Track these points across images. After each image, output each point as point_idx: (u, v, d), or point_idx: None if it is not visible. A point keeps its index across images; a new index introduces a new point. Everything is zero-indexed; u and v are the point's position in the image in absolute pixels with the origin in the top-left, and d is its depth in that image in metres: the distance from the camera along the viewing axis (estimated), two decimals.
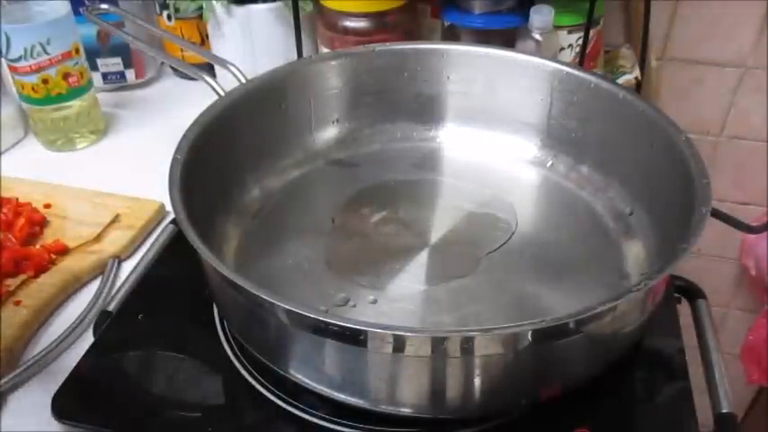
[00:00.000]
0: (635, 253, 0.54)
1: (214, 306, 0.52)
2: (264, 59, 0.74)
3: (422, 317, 0.49)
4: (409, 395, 0.42)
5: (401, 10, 0.75)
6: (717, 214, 0.52)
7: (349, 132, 0.65)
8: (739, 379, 0.95)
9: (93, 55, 0.82)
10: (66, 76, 0.72)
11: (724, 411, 0.46)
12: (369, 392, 0.42)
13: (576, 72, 0.60)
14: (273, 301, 0.38)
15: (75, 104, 0.75)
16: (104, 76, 0.85)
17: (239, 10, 0.76)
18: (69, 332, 0.53)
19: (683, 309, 0.54)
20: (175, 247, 0.58)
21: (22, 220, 0.60)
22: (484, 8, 0.72)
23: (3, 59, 0.73)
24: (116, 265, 0.60)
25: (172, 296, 0.54)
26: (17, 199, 0.63)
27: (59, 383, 0.46)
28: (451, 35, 0.75)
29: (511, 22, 0.72)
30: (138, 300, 0.53)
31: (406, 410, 0.42)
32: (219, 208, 0.55)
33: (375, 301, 0.49)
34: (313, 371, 0.42)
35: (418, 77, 0.64)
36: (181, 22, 0.84)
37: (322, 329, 0.38)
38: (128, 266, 0.59)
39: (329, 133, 0.65)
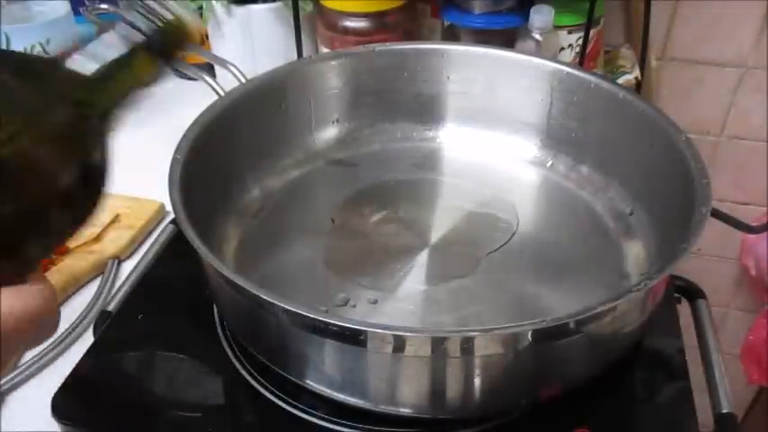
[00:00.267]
0: (635, 253, 0.54)
1: (214, 306, 0.52)
2: (264, 59, 0.74)
3: (422, 317, 0.49)
4: (409, 395, 0.42)
5: (401, 10, 0.75)
6: (717, 214, 0.52)
7: (349, 132, 0.65)
8: (739, 379, 0.95)
9: None
10: None
11: (724, 411, 0.46)
12: (369, 392, 0.42)
13: (576, 72, 0.60)
14: (273, 301, 0.38)
15: None
16: None
17: (239, 10, 0.76)
18: (69, 332, 0.53)
19: (683, 309, 0.54)
20: (175, 247, 0.58)
21: None
22: (484, 8, 0.72)
23: None
24: (116, 265, 0.60)
25: (172, 296, 0.54)
26: None
27: (59, 383, 0.46)
28: (451, 35, 0.75)
29: (511, 22, 0.72)
30: (138, 300, 0.53)
31: (405, 410, 0.42)
32: (219, 208, 0.55)
33: (375, 302, 0.49)
34: (313, 371, 0.42)
35: (418, 77, 0.64)
36: None
37: (322, 329, 0.38)
38: (128, 266, 0.59)
39: (329, 133, 0.65)
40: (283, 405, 0.45)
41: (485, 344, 0.38)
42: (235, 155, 0.57)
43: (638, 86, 0.77)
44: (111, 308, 0.53)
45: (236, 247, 0.55)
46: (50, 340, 0.53)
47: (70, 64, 0.30)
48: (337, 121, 0.65)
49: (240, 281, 0.39)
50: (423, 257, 0.53)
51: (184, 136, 0.50)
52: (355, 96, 0.64)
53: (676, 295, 0.54)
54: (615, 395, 0.46)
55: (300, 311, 0.38)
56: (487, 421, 0.44)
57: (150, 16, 0.33)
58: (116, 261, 0.60)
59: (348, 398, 0.42)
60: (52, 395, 0.46)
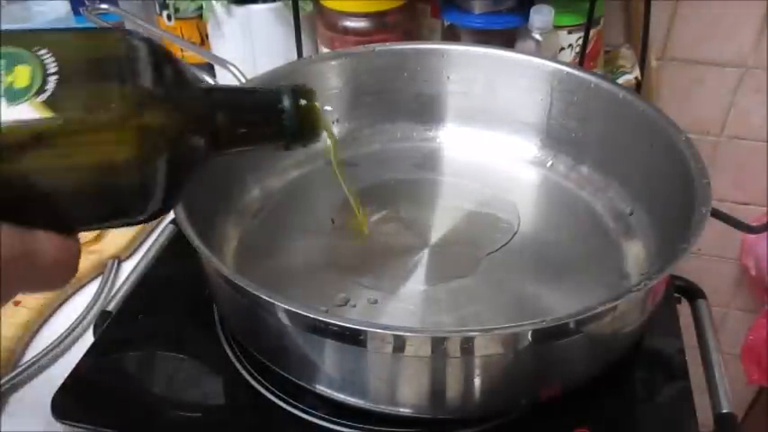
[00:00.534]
0: (635, 253, 0.54)
1: (214, 306, 0.52)
2: (264, 59, 0.74)
3: (422, 317, 0.49)
4: (409, 395, 0.42)
5: (401, 10, 0.74)
6: (717, 214, 0.52)
7: (349, 132, 0.65)
8: (739, 379, 0.95)
9: None
10: None
11: (724, 411, 0.46)
12: (369, 392, 0.42)
13: (576, 72, 0.60)
14: (273, 301, 0.38)
15: None
16: None
17: (239, 10, 0.76)
18: (69, 332, 0.53)
19: (683, 309, 0.54)
20: (175, 247, 0.58)
21: None
22: (484, 8, 0.71)
23: None
24: (116, 265, 0.60)
25: (172, 296, 0.54)
26: None
27: (59, 383, 0.46)
28: (451, 35, 0.75)
29: (511, 22, 0.72)
30: (138, 300, 0.53)
31: (405, 410, 0.42)
32: (219, 208, 0.55)
33: (375, 302, 0.49)
34: (313, 371, 0.42)
35: (418, 77, 0.64)
36: (181, 22, 0.84)
37: (322, 329, 0.38)
38: (128, 266, 0.59)
39: None
40: (283, 405, 0.45)
41: (485, 344, 0.38)
42: (235, 155, 0.57)
43: (638, 86, 0.77)
44: (111, 308, 0.53)
45: (236, 247, 0.55)
46: (50, 340, 0.53)
47: None
48: (337, 121, 0.65)
49: (240, 281, 0.39)
50: (423, 257, 0.53)
51: None
52: (355, 96, 0.64)
53: (676, 295, 0.54)
54: (615, 395, 0.46)
55: (300, 311, 0.38)
56: (487, 421, 0.44)
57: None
58: (116, 261, 0.60)
59: (348, 398, 0.42)
60: (52, 395, 0.46)
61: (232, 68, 0.60)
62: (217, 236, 0.53)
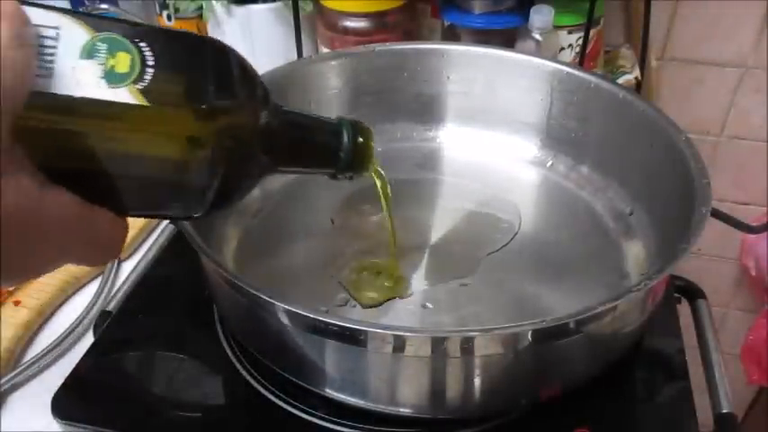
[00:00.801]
0: (635, 253, 0.54)
1: (214, 306, 0.52)
2: (264, 59, 0.74)
3: (422, 317, 0.49)
4: (409, 395, 0.42)
5: (401, 10, 0.74)
6: (717, 214, 0.52)
7: None
8: (739, 379, 0.95)
9: None
10: None
11: (724, 411, 0.46)
12: (369, 392, 0.42)
13: (576, 72, 0.60)
14: (273, 301, 0.38)
15: None
16: None
17: (239, 10, 0.76)
18: (69, 332, 0.53)
19: (683, 309, 0.54)
20: (175, 247, 0.58)
21: None
22: (484, 8, 0.71)
23: None
24: (116, 265, 0.60)
25: (172, 296, 0.54)
26: None
27: (59, 383, 0.46)
28: (451, 35, 0.75)
29: (511, 22, 0.72)
30: (138, 300, 0.53)
31: (406, 411, 0.42)
32: None
33: None
34: (313, 371, 0.42)
35: (418, 77, 0.64)
36: (181, 22, 0.84)
37: (322, 329, 0.38)
38: (128, 266, 0.59)
39: None
40: (283, 405, 0.45)
41: (485, 344, 0.38)
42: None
43: (638, 86, 0.77)
44: (111, 308, 0.53)
45: (236, 247, 0.55)
46: (50, 340, 0.53)
47: None
48: None
49: (240, 281, 0.39)
50: (423, 257, 0.53)
51: None
52: (355, 96, 0.64)
53: (676, 295, 0.54)
54: (615, 395, 0.46)
55: (300, 311, 0.38)
56: (487, 421, 0.44)
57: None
58: (116, 261, 0.60)
59: (348, 398, 0.42)
60: (52, 395, 0.46)
61: None
62: (217, 236, 0.53)
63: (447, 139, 0.66)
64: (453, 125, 0.66)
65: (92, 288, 0.58)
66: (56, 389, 0.46)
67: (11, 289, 0.55)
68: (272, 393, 0.46)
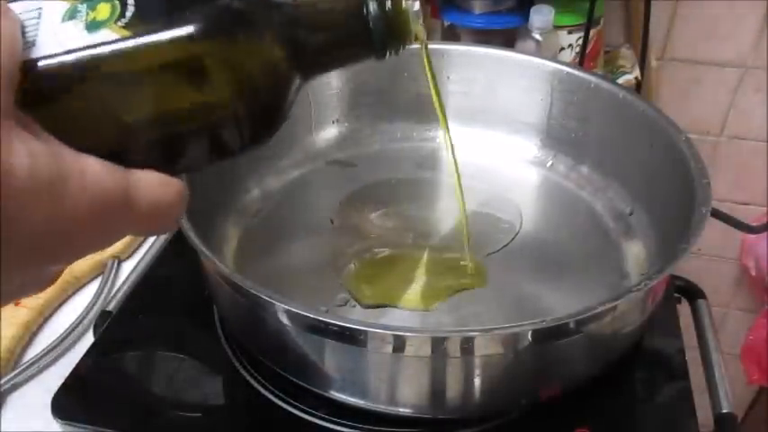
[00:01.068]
0: (635, 253, 0.54)
1: (214, 306, 0.52)
2: None
3: (422, 317, 0.49)
4: (409, 395, 0.42)
5: None
6: (717, 214, 0.52)
7: (349, 132, 0.65)
8: (739, 379, 0.95)
9: None
10: None
11: (724, 411, 0.46)
12: (369, 392, 0.42)
13: (576, 72, 0.60)
14: (273, 301, 0.38)
15: None
16: None
17: None
18: (69, 332, 0.53)
19: (683, 309, 0.54)
20: (175, 247, 0.58)
21: None
22: (484, 8, 0.72)
23: None
24: (116, 265, 0.60)
25: (172, 296, 0.54)
26: None
27: (59, 383, 0.46)
28: (451, 35, 0.75)
29: (511, 22, 0.72)
30: (138, 300, 0.53)
31: (406, 410, 0.42)
32: (219, 208, 0.55)
33: None
34: (313, 371, 0.42)
35: (418, 77, 0.64)
36: None
37: (322, 329, 0.38)
38: (128, 266, 0.59)
39: (329, 133, 0.65)
40: (283, 405, 0.45)
41: (485, 344, 0.38)
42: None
43: (638, 86, 0.77)
44: (111, 308, 0.53)
45: (236, 247, 0.55)
46: (50, 340, 0.53)
47: None
48: (337, 121, 0.65)
49: (240, 280, 0.39)
50: (423, 257, 0.53)
51: None
52: (355, 96, 0.64)
53: (676, 295, 0.54)
54: (615, 395, 0.46)
55: (300, 311, 0.38)
56: (487, 421, 0.44)
57: None
58: (116, 261, 0.60)
59: (348, 398, 0.42)
60: (52, 395, 0.46)
61: None
62: (217, 236, 0.53)
63: None
64: (453, 125, 0.66)
65: (92, 288, 0.58)
66: (56, 389, 0.46)
67: None
68: (272, 393, 0.46)
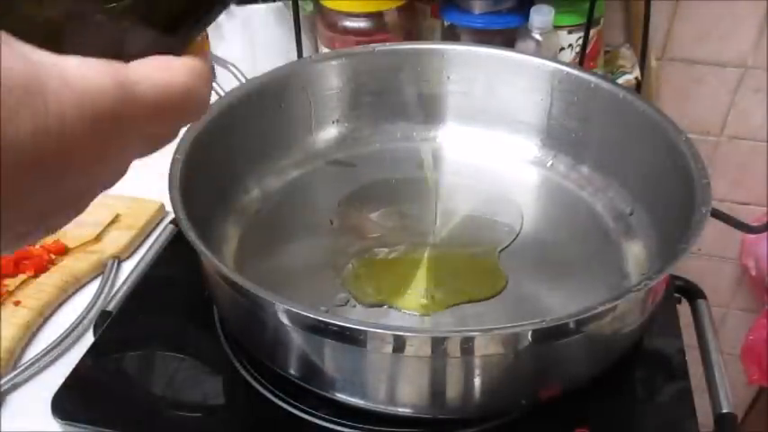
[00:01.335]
0: (635, 253, 0.54)
1: (214, 306, 0.52)
2: (264, 59, 0.74)
3: (422, 317, 0.49)
4: (409, 395, 0.42)
5: (401, 10, 0.75)
6: (717, 214, 0.52)
7: (349, 132, 0.65)
8: (739, 379, 0.95)
9: None
10: None
11: (724, 411, 0.46)
12: (369, 392, 0.42)
13: (576, 72, 0.60)
14: (273, 301, 0.38)
15: None
16: None
17: (239, 10, 0.76)
18: (69, 332, 0.53)
19: (683, 309, 0.54)
20: (175, 247, 0.58)
21: None
22: (484, 8, 0.72)
23: None
24: (116, 265, 0.60)
25: (172, 296, 0.54)
26: None
27: (59, 383, 0.46)
28: (451, 35, 0.75)
29: (511, 22, 0.72)
30: (138, 300, 0.53)
31: (406, 411, 0.42)
32: (219, 208, 0.55)
33: None
34: (313, 371, 0.42)
35: (418, 77, 0.64)
36: None
37: (322, 329, 0.38)
38: (128, 266, 0.59)
39: (329, 133, 0.65)
40: (283, 405, 0.45)
41: (485, 344, 0.38)
42: (235, 155, 0.57)
43: (638, 86, 0.77)
44: (111, 308, 0.53)
45: (236, 247, 0.55)
46: (50, 340, 0.53)
47: None
48: (337, 121, 0.65)
49: (240, 280, 0.39)
50: (423, 257, 0.53)
51: (184, 136, 0.50)
52: (355, 96, 0.64)
53: (676, 295, 0.54)
54: (615, 395, 0.46)
55: (300, 311, 0.38)
56: (487, 421, 0.44)
57: None
58: (116, 261, 0.60)
59: (348, 398, 0.42)
60: (52, 395, 0.46)
61: (232, 68, 0.60)
62: (217, 236, 0.53)
63: (447, 139, 0.66)
64: (453, 125, 0.66)
65: (92, 288, 0.58)
66: (56, 389, 0.46)
67: (11, 289, 0.55)
68: (272, 393, 0.46)
